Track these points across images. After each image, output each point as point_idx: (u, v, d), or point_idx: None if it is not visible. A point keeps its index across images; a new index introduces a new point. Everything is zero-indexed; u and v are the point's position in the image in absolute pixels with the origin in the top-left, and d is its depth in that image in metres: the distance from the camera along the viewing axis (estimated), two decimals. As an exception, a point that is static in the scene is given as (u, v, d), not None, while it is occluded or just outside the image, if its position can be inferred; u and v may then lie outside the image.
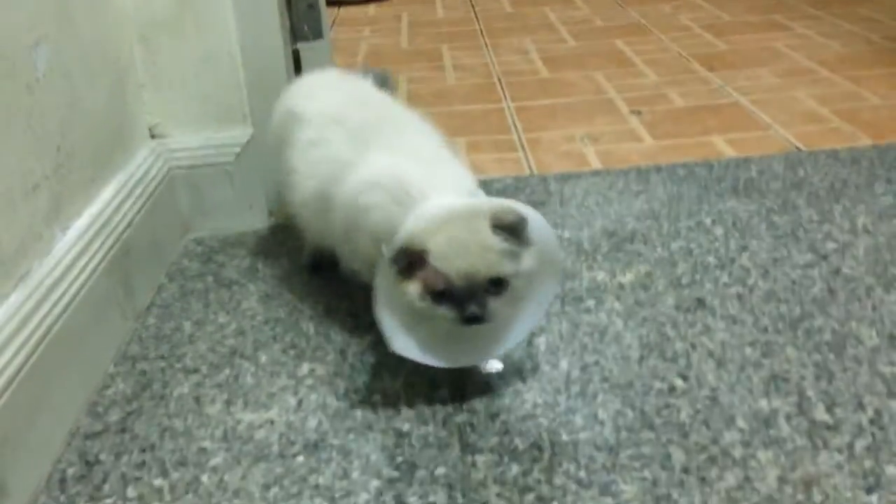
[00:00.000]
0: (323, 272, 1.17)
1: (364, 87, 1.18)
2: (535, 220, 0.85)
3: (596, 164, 1.52)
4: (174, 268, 1.25)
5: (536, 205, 1.34)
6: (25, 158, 0.92)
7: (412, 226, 0.84)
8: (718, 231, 1.23)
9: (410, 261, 0.84)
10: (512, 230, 0.84)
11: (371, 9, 2.96)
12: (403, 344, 0.88)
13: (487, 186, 1.44)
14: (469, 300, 0.84)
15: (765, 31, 2.28)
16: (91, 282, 1.00)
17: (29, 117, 0.94)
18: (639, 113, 1.74)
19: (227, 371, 0.99)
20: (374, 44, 2.48)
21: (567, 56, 2.20)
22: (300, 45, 1.47)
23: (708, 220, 1.26)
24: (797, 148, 1.50)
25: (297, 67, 1.46)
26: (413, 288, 0.85)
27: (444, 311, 0.85)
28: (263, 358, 1.01)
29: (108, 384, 0.98)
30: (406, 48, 2.42)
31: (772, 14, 2.44)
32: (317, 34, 1.49)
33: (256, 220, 1.36)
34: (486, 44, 2.39)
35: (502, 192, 1.41)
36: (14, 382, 0.80)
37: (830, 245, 1.16)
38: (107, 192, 1.13)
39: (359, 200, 0.93)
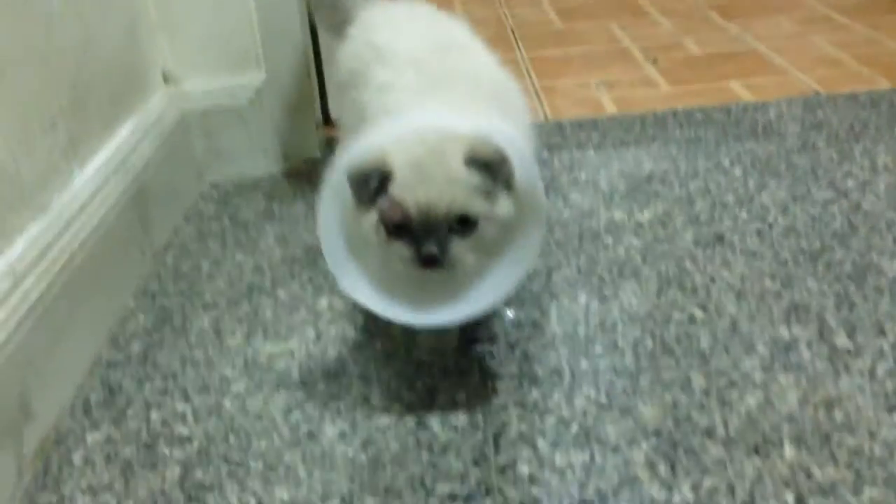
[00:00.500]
0: None
1: (449, 25, 1.02)
2: (522, 162, 0.73)
3: (612, 109, 1.51)
4: (191, 210, 1.25)
5: (552, 148, 1.34)
6: (42, 93, 0.92)
7: (377, 140, 0.73)
8: (737, 171, 1.22)
9: (373, 186, 0.72)
10: (488, 166, 0.72)
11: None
12: (354, 284, 0.77)
13: (503, 131, 1.43)
14: (427, 237, 0.72)
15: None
16: (110, 217, 1.00)
17: (44, 53, 0.93)
18: (655, 61, 1.72)
19: (245, 306, 1.00)
20: (386, -2, 2.46)
21: (580, 7, 2.17)
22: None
23: (726, 161, 1.25)
24: (816, 92, 1.48)
25: (310, 14, 1.44)
26: (368, 220, 0.73)
27: (399, 249, 0.73)
28: (282, 293, 1.01)
29: (129, 317, 0.99)
30: (418, 2, 2.40)
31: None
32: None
33: (271, 165, 1.36)
34: (498, -4, 2.36)
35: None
36: (37, 309, 0.81)
37: (850, 183, 1.15)
38: (122, 133, 1.13)
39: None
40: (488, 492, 0.70)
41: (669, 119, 1.42)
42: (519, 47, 1.89)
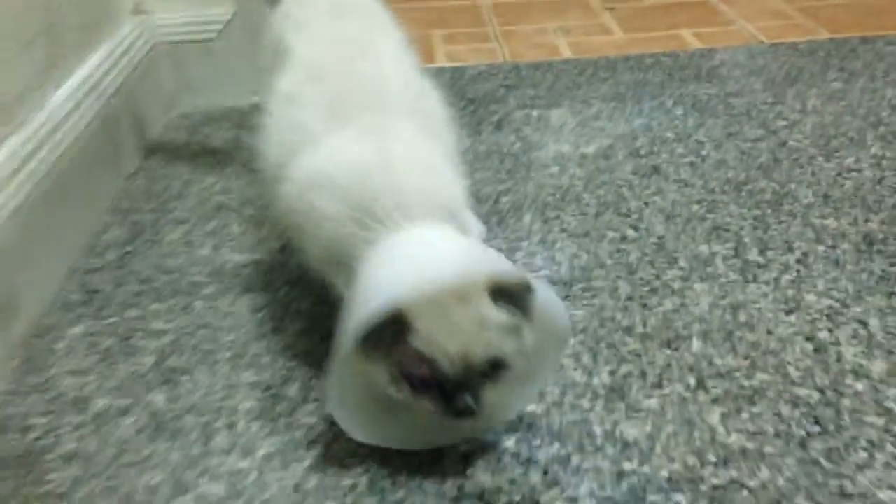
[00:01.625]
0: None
1: (369, 20, 0.94)
2: (541, 289, 0.66)
3: (567, 54, 1.58)
4: (162, 136, 1.31)
5: (509, 88, 1.42)
6: (20, 17, 0.98)
7: (389, 288, 0.63)
8: (678, 111, 1.30)
9: (388, 337, 0.63)
10: (515, 299, 0.64)
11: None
12: (369, 435, 0.69)
13: (461, 71, 1.51)
14: (461, 390, 0.64)
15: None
16: (83, 138, 1.06)
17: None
18: (612, 9, 1.79)
19: (215, 222, 1.07)
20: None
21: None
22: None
23: (669, 102, 1.33)
24: (760, 41, 1.57)
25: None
26: (386, 373, 0.65)
27: (427, 404, 0.65)
28: (250, 211, 1.09)
29: (104, 231, 1.05)
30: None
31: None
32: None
33: (240, 97, 1.41)
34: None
35: (476, 78, 1.47)
36: (17, 216, 0.87)
37: (780, 122, 1.24)
38: (94, 59, 1.18)
39: (305, 197, 0.75)
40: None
41: (620, 63, 1.50)
42: (482, -7, 1.95)
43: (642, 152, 1.18)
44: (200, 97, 1.41)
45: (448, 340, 0.62)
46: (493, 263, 0.67)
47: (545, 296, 0.65)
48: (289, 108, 0.83)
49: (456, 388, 0.63)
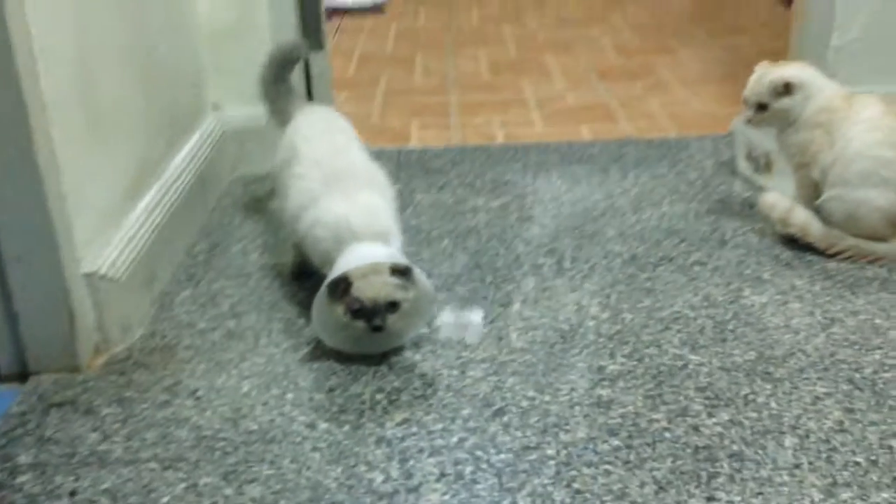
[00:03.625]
0: (302, 278, 1.59)
1: (344, 134, 1.63)
2: (417, 272, 1.33)
3: (501, 140, 2.31)
4: (228, 188, 2.05)
5: (454, 163, 2.14)
6: (153, 115, 1.72)
7: (344, 267, 1.30)
8: (558, 181, 2.01)
9: (340, 290, 1.30)
10: (403, 273, 1.31)
11: (369, 19, 3.75)
12: (333, 342, 1.37)
13: (427, 150, 2.24)
14: (375, 315, 1.30)
15: (656, 53, 3.05)
16: (187, 186, 1.79)
17: (149, 97, 1.73)
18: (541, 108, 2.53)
19: (259, 239, 1.79)
20: (365, 50, 3.27)
21: (506, 64, 2.98)
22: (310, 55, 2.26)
23: (554, 176, 2.05)
24: (629, 136, 2.29)
25: (307, 68, 2.24)
26: (340, 308, 1.31)
27: (359, 324, 1.31)
28: (275, 237, 1.81)
29: (196, 243, 1.78)
30: (390, 53, 3.21)
31: (668, 40, 3.22)
32: (319, 47, 2.27)
33: (277, 165, 2.14)
34: (450, 51, 3.17)
35: (435, 155, 2.20)
36: (158, 228, 1.60)
37: (618, 189, 1.95)
38: (193, 140, 1.92)
39: (311, 231, 1.42)
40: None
41: (533, 148, 2.23)
42: (452, 93, 2.70)
43: (525, 206, 1.89)
44: (251, 165, 2.14)
45: (369, 290, 1.30)
46: (395, 258, 1.35)
47: (421, 275, 1.35)
48: (300, 181, 1.50)
49: (373, 314, 1.30)
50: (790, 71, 1.65)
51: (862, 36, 2.05)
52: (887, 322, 1.42)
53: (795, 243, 1.65)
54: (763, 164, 1.91)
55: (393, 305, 1.31)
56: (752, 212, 1.81)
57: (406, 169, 2.11)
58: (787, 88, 1.62)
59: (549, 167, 2.10)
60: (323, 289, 1.33)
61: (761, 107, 1.65)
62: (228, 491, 1.12)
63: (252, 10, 2.07)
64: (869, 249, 1.60)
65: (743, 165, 1.99)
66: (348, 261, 1.34)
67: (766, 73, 1.65)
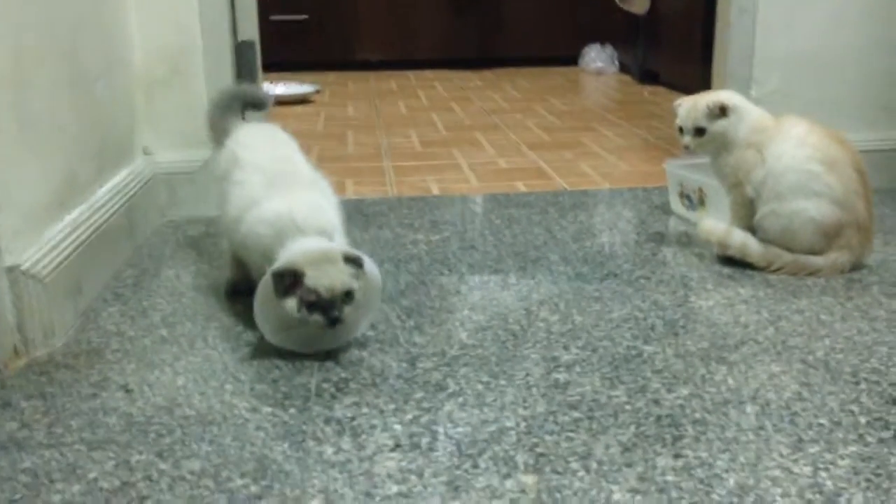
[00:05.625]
0: (239, 295, 1.53)
1: (286, 145, 1.57)
2: (367, 260, 1.29)
3: (436, 192, 2.32)
4: (158, 230, 1.98)
5: (391, 209, 2.13)
6: (88, 144, 1.67)
7: (291, 257, 1.23)
8: (497, 221, 2.02)
9: (289, 282, 1.21)
10: (355, 262, 1.25)
11: (298, 108, 3.79)
12: (277, 339, 1.29)
13: (363, 201, 2.22)
14: (332, 307, 1.22)
15: (580, 132, 3.16)
16: (114, 217, 1.72)
17: (81, 124, 1.69)
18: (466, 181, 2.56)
19: (192, 268, 1.72)
20: (296, 128, 3.28)
21: (438, 140, 3.04)
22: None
23: (493, 216, 2.05)
24: (565, 188, 2.33)
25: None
26: (291, 302, 1.21)
27: (315, 318, 1.21)
28: (206, 265, 1.74)
29: (124, 270, 1.70)
30: (321, 131, 3.23)
31: (590, 122, 3.35)
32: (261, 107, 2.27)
33: (210, 210, 2.09)
34: (381, 132, 3.21)
35: (371, 203, 2.19)
36: (83, 246, 1.52)
37: (555, 226, 1.96)
38: (121, 174, 1.87)
39: (253, 229, 1.35)
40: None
41: (468, 199, 2.24)
42: (387, 158, 2.72)
43: (465, 239, 1.88)
44: (182, 209, 2.09)
45: (325, 280, 1.22)
46: (345, 247, 1.32)
47: (370, 265, 1.31)
48: (241, 188, 1.44)
49: (330, 306, 1.22)
50: (723, 95, 1.72)
51: (779, 87, 2.17)
52: (831, 317, 1.43)
53: (735, 263, 1.67)
54: (697, 200, 1.96)
55: (348, 295, 1.24)
56: (689, 241, 1.84)
57: (343, 213, 2.08)
58: (722, 111, 1.67)
59: (488, 211, 2.11)
60: (267, 277, 1.26)
61: (699, 131, 1.69)
62: (164, 466, 1.02)
63: (187, 62, 2.06)
64: (807, 264, 1.63)
65: (677, 203, 2.04)
66: (294, 251, 1.28)
67: (699, 99, 1.71)
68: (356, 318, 1.31)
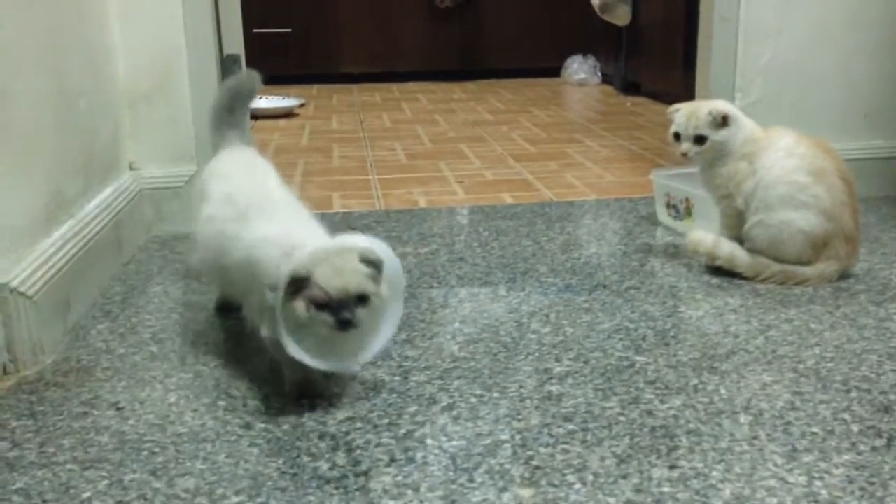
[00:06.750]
0: (229, 313, 1.51)
1: (260, 172, 1.42)
2: (390, 261, 1.14)
3: (423, 204, 2.32)
4: (144, 246, 1.97)
5: (379, 221, 2.13)
6: (75, 159, 1.66)
7: (298, 260, 1.08)
8: (485, 233, 2.02)
9: (297, 286, 1.07)
10: (373, 264, 1.11)
11: (282, 122, 3.78)
12: (297, 352, 1.11)
13: (350, 213, 2.22)
14: (343, 308, 1.08)
15: (565, 143, 3.17)
16: (101, 233, 1.71)
17: (66, 140, 1.68)
18: (462, 182, 2.56)
19: (176, 291, 1.71)
20: (281, 142, 3.28)
21: (423, 152, 3.04)
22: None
23: (481, 228, 2.06)
24: (551, 199, 2.34)
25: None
26: (299, 304, 1.08)
27: (324, 318, 1.07)
28: (196, 285, 1.73)
29: (111, 287, 1.68)
30: (306, 145, 3.23)
31: (574, 134, 3.36)
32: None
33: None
34: (366, 145, 3.22)
35: (359, 217, 2.18)
36: (71, 263, 1.51)
37: (543, 237, 1.97)
38: (107, 191, 1.86)
39: (253, 252, 1.18)
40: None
41: (457, 211, 2.24)
42: (373, 171, 2.72)
43: (454, 251, 1.88)
44: (168, 225, 2.08)
45: (336, 279, 1.08)
46: (365, 247, 1.12)
47: (393, 263, 1.16)
48: (210, 224, 1.33)
49: (340, 307, 1.08)
50: (722, 104, 1.72)
51: (763, 97, 2.19)
52: (821, 326, 1.44)
53: (724, 273, 1.68)
54: (684, 210, 1.97)
55: (362, 298, 1.10)
56: (677, 252, 1.85)
57: (328, 228, 2.07)
58: (724, 121, 1.68)
59: (475, 223, 2.11)
60: (285, 278, 1.08)
61: (700, 139, 1.69)
62: (158, 485, 1.01)
63: (172, 77, 2.06)
64: (795, 274, 1.64)
65: (664, 213, 2.05)
66: (306, 250, 1.12)
67: (699, 107, 1.71)
68: (374, 325, 1.17)
